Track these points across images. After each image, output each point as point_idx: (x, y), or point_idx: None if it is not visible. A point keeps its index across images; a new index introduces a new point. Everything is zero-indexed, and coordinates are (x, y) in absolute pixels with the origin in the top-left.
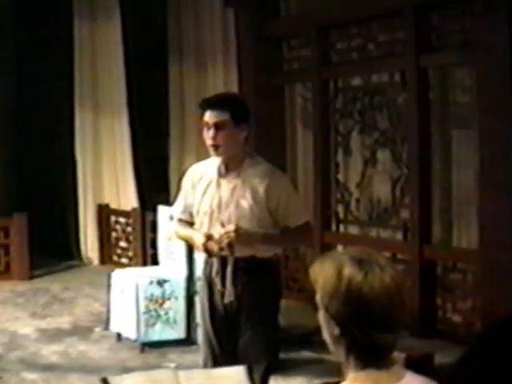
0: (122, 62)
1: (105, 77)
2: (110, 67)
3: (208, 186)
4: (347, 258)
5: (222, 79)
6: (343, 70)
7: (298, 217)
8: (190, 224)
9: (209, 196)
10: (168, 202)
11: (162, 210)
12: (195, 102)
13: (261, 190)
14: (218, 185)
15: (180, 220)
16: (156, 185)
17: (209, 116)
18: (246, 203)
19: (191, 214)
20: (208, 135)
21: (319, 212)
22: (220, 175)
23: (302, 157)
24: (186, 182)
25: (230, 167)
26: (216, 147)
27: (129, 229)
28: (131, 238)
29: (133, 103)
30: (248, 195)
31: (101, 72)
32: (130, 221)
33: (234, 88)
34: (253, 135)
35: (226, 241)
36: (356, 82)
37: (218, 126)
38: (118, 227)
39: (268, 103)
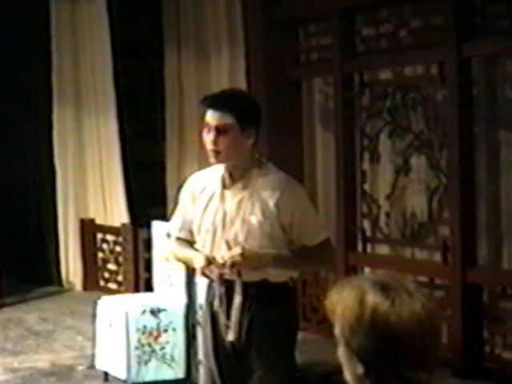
0: (109, 50)
1: (88, 69)
2: (94, 57)
3: (211, 198)
4: (370, 284)
5: (227, 72)
6: (370, 61)
7: (316, 234)
8: (191, 243)
9: (211, 211)
10: (165, 217)
11: (158, 226)
12: (196, 98)
13: (271, 203)
14: (222, 198)
15: (178, 239)
16: (150, 196)
17: (210, 117)
18: (254, 219)
19: (191, 232)
20: (208, 138)
21: (343, 229)
22: (224, 186)
23: (321, 164)
24: (186, 194)
25: (235, 177)
26: (216, 153)
27: (118, 248)
28: (121, 259)
29: (122, 100)
30: (257, 210)
31: (83, 63)
32: (120, 239)
33: (241, 83)
34: (265, 139)
35: (233, 269)
36: (386, 75)
37: (219, 130)
38: (105, 246)
39: (282, 101)
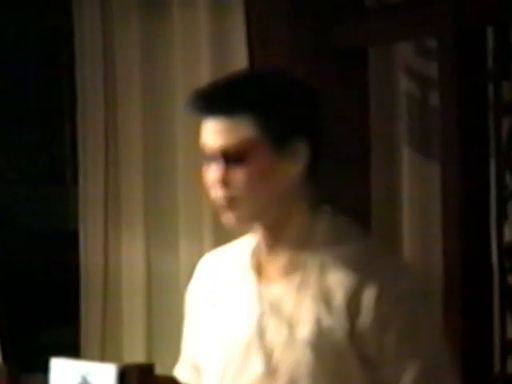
0: None
1: None
2: None
3: (233, 299)
4: None
5: (208, 39)
6: None
7: (435, 375)
8: None
9: (226, 323)
10: (77, 347)
11: (62, 368)
12: (142, 93)
13: (337, 300)
14: (251, 293)
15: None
16: (47, 304)
17: (209, 133)
18: (308, 333)
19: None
20: (211, 176)
21: (467, 362)
22: (257, 269)
23: (410, 223)
24: (198, 294)
25: (277, 246)
26: (229, 203)
27: None
28: None
29: None
30: (313, 314)
31: None
32: None
33: (236, 59)
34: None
35: None
36: None
37: (230, 156)
38: None
39: (326, 93)
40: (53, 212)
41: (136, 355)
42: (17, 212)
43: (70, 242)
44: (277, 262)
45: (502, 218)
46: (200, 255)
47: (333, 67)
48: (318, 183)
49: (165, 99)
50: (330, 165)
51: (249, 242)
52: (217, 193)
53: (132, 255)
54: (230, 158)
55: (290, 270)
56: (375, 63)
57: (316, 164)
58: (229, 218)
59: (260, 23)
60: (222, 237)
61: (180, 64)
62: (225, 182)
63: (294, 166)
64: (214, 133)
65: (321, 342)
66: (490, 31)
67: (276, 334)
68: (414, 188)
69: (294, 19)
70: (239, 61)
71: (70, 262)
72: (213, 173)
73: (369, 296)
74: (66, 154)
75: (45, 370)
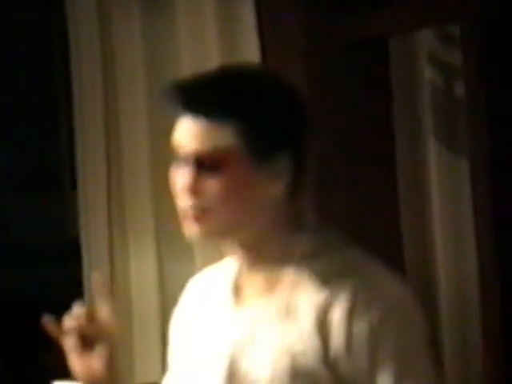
0: None
1: None
2: None
3: (210, 321)
4: None
5: (217, 30)
6: None
7: None
8: None
9: (210, 344)
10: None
11: None
12: (147, 89)
13: (308, 320)
14: (229, 316)
15: None
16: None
17: (188, 134)
18: (278, 358)
19: None
20: (181, 181)
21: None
22: (236, 289)
23: (439, 212)
24: (177, 321)
25: (256, 264)
26: (197, 213)
27: None
28: None
29: None
30: (281, 339)
31: None
32: None
33: (248, 53)
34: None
35: None
36: None
37: (202, 163)
38: None
39: (342, 86)
40: (50, 220)
41: (150, 376)
42: (9, 221)
43: (70, 253)
44: (255, 282)
45: None
46: None
47: (350, 59)
48: (303, 198)
49: None
50: (356, 165)
51: (233, 263)
52: (183, 202)
53: (142, 267)
54: (204, 165)
55: (266, 289)
56: (396, 53)
57: (300, 180)
58: (193, 230)
59: (271, 12)
60: None
61: (186, 57)
62: (195, 191)
63: (275, 185)
64: (190, 134)
65: (293, 369)
66: None
67: (248, 362)
68: (443, 181)
69: (307, 9)
70: (250, 50)
71: (71, 277)
72: (182, 178)
73: (338, 313)
74: (63, 155)
75: None
